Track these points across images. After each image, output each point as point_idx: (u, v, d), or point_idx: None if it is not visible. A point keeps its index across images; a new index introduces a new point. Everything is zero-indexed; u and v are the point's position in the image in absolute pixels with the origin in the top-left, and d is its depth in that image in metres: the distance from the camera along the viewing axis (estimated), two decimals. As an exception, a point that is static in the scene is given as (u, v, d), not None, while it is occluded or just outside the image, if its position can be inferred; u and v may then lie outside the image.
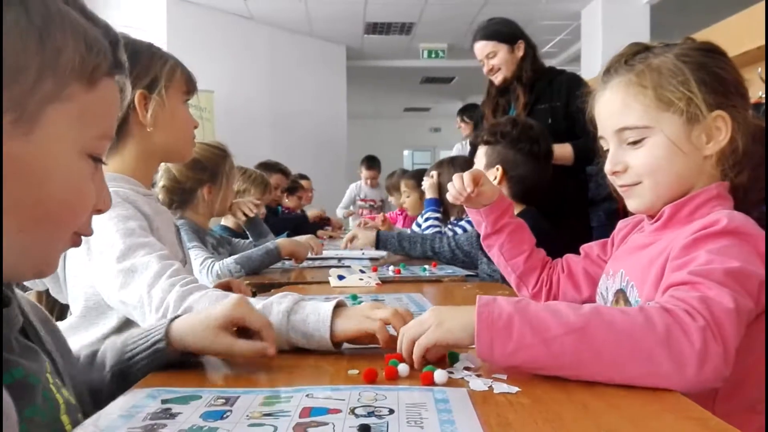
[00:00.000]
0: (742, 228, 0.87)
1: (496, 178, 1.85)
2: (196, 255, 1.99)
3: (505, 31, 2.60)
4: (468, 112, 5.37)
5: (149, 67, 1.25)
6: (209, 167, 2.09)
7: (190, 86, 1.33)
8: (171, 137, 1.30)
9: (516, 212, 1.83)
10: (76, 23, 0.54)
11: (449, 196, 1.34)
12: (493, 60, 2.57)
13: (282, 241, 2.19)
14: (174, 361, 0.83)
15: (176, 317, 0.85)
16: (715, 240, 0.86)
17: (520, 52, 2.56)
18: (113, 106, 0.61)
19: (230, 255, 2.15)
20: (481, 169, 1.86)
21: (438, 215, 2.83)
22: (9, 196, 0.51)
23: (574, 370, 0.75)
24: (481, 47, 2.60)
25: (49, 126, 0.53)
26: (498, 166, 1.86)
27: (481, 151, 1.92)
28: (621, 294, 1.04)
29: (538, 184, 1.87)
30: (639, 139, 0.98)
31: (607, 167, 1.03)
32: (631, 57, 1.01)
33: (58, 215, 0.56)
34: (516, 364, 0.77)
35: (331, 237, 3.77)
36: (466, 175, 1.29)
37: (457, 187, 1.30)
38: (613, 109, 1.01)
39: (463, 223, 2.71)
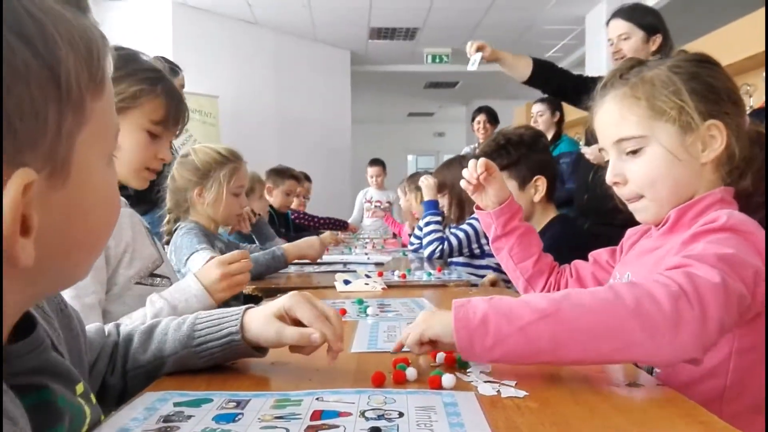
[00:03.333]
0: (741, 225, 0.89)
1: (538, 190, 1.80)
2: (204, 257, 1.99)
3: (647, 18, 2.43)
4: (492, 113, 5.24)
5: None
6: (201, 170, 2.09)
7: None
8: None
9: (548, 219, 1.82)
10: (69, 27, 0.45)
11: (462, 183, 1.35)
12: (623, 43, 2.40)
13: (287, 246, 2.20)
14: (245, 355, 0.86)
15: (250, 307, 0.88)
16: (714, 234, 0.88)
17: (654, 46, 2.39)
18: (113, 95, 0.53)
19: None
20: (514, 191, 1.81)
21: (438, 218, 2.78)
22: (59, 238, 0.47)
23: (552, 355, 0.77)
24: (617, 26, 2.44)
25: (81, 160, 0.47)
26: (537, 176, 1.80)
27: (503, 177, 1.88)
28: None
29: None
30: (637, 149, 1.01)
31: (608, 178, 1.06)
32: (627, 71, 1.05)
33: (104, 234, 0.54)
34: (497, 358, 0.79)
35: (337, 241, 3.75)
36: (480, 160, 1.32)
37: (470, 169, 1.33)
38: (610, 121, 1.05)
39: (464, 226, 2.69)
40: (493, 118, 5.17)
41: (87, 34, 0.47)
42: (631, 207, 1.07)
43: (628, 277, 1.06)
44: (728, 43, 3.19)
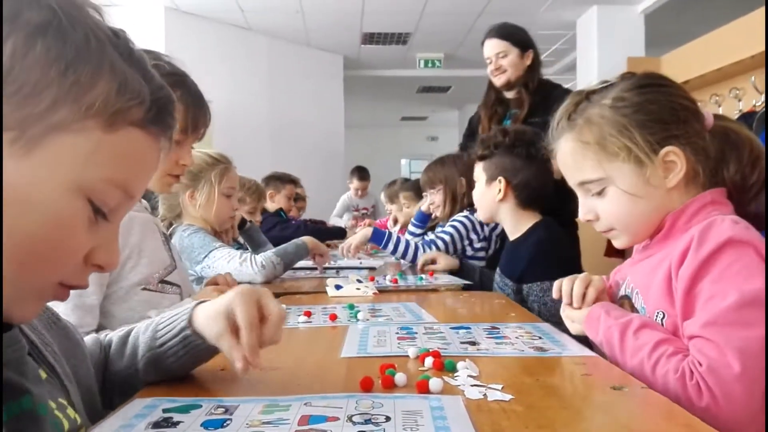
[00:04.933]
0: (738, 237, 0.88)
1: (500, 191, 1.83)
2: (229, 253, 2.03)
3: (519, 36, 2.66)
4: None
5: None
6: (192, 172, 2.09)
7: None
8: None
9: (531, 224, 1.83)
10: (116, 67, 0.53)
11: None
12: (503, 60, 2.60)
13: (307, 238, 2.27)
14: (212, 352, 0.82)
15: (203, 302, 0.83)
16: (716, 260, 0.87)
17: (528, 61, 2.62)
18: (135, 160, 0.56)
19: None
20: (481, 185, 1.86)
21: (418, 231, 2.93)
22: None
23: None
24: (494, 45, 2.64)
25: (49, 154, 0.50)
26: (500, 177, 1.84)
27: (479, 169, 1.91)
28: (626, 300, 1.07)
29: (542, 187, 1.85)
30: (601, 189, 1.03)
31: (581, 216, 1.09)
32: (574, 109, 1.06)
33: (30, 253, 0.51)
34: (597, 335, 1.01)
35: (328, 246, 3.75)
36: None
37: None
38: (567, 164, 1.08)
39: (449, 228, 2.65)
40: None
41: (133, 86, 0.54)
42: (606, 236, 1.09)
43: (627, 283, 1.08)
44: (717, 48, 3.21)
